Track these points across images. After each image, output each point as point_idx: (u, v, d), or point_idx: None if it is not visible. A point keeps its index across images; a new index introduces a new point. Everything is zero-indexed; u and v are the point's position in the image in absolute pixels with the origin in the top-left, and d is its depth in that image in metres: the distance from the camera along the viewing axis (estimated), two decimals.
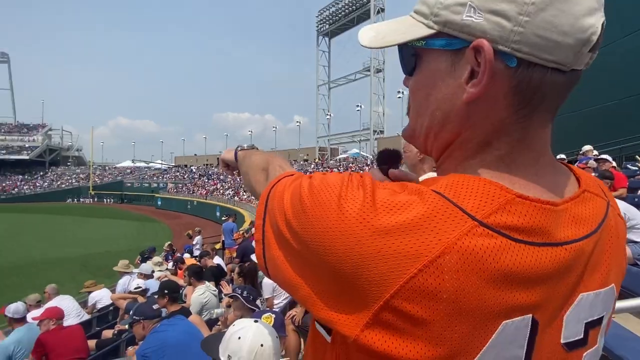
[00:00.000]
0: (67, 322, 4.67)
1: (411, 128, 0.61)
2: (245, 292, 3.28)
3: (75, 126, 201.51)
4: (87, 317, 5.97)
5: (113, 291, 6.95)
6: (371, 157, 43.67)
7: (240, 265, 5.65)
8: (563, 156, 9.24)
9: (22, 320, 4.70)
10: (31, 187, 68.18)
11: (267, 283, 4.54)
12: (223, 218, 13.28)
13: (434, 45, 0.52)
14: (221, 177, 51.16)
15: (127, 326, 4.91)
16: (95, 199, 61.78)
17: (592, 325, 0.54)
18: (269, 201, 0.59)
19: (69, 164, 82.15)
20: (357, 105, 59.66)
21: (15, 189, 66.84)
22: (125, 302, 5.62)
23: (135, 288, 5.82)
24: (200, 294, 4.88)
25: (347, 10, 58.75)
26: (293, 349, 3.58)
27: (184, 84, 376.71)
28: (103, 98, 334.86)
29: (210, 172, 58.01)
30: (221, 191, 43.51)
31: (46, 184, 69.77)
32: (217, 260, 8.03)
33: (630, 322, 2.60)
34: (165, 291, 3.69)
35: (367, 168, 31.07)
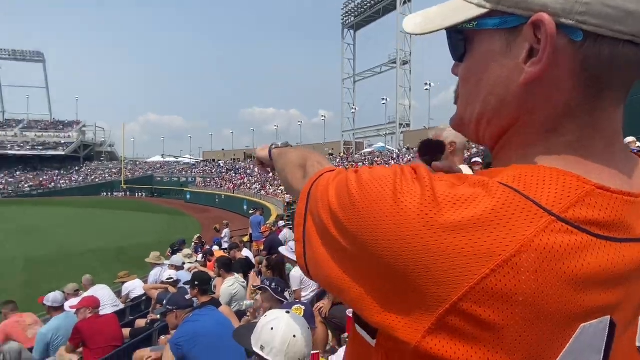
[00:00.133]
0: (103, 311, 4.82)
1: (460, 117, 0.57)
2: (273, 284, 3.30)
3: (108, 122, 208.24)
4: (121, 306, 6.17)
5: (145, 282, 7.15)
6: (397, 150, 43.18)
7: (267, 257, 5.69)
8: None
9: (60, 308, 4.88)
10: (67, 181, 71.05)
11: (294, 275, 4.55)
12: (251, 211, 13.49)
13: (487, 25, 0.48)
14: (248, 171, 51.84)
15: (159, 316, 5.05)
16: (128, 193, 63.73)
17: None
18: (310, 198, 0.56)
19: (102, 159, 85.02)
20: (383, 99, 59.13)
21: (52, 184, 69.83)
22: (157, 292, 5.77)
23: (167, 279, 5.97)
24: (230, 285, 4.95)
25: (372, 2, 57.94)
26: (321, 341, 3.59)
27: (210, 79, 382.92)
28: (133, 95, 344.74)
29: (237, 167, 58.75)
30: (248, 185, 44.06)
31: (81, 178, 72.51)
32: (246, 252, 8.14)
33: None
34: (196, 282, 3.75)
35: (392, 162, 30.78)
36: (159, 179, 65.76)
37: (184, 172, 66.32)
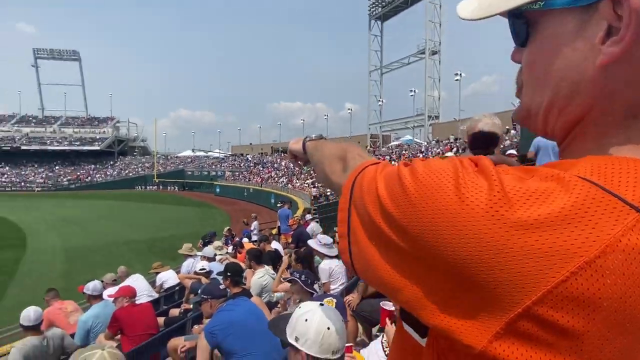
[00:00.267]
0: (139, 301, 4.99)
1: (525, 108, 0.52)
2: (303, 276, 3.33)
3: (140, 118, 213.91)
4: (156, 296, 6.36)
5: (178, 272, 7.34)
6: (425, 143, 42.37)
7: (295, 250, 5.74)
8: None
9: (99, 297, 5.06)
10: (102, 175, 73.67)
11: (323, 268, 4.55)
12: (279, 205, 13.59)
13: (556, 4, 0.44)
14: (275, 165, 52.27)
15: (192, 305, 5.19)
16: (160, 187, 65.46)
17: None
18: (354, 192, 0.52)
19: (135, 153, 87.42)
20: (411, 90, 57.93)
21: (89, 177, 72.61)
22: (191, 282, 5.92)
23: (200, 269, 6.11)
24: (260, 276, 5.02)
25: None
26: (351, 333, 3.60)
27: (238, 74, 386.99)
28: (165, 91, 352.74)
29: (265, 161, 59.37)
30: (275, 179, 44.46)
31: (115, 172, 74.98)
32: (275, 245, 8.23)
33: None
34: (229, 273, 3.83)
35: (420, 155, 30.29)
36: (189, 173, 67.11)
37: (213, 166, 67.41)
